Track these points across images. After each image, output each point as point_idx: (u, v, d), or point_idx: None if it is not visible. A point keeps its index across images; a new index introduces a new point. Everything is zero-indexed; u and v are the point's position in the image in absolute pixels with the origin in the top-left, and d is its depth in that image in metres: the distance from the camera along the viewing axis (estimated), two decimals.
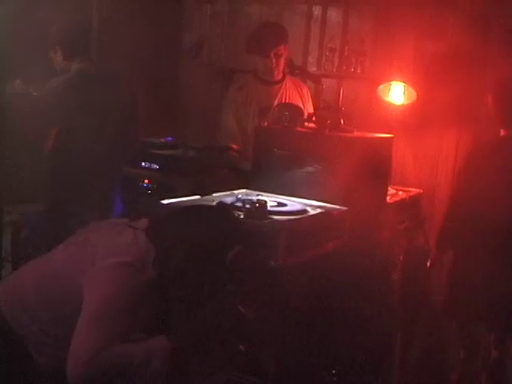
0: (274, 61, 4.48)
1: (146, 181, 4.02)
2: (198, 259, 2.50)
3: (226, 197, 3.21)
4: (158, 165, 4.04)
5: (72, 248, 2.62)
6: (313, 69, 5.12)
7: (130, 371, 2.37)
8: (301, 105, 4.47)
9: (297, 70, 4.47)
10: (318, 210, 3.18)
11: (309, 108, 4.54)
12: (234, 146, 4.45)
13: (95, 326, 2.36)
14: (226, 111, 4.64)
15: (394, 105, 4.54)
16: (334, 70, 4.99)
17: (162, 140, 4.41)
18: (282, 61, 4.54)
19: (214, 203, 3.02)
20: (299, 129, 3.67)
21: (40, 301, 2.55)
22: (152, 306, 2.53)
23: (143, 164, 4.06)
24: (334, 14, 5.10)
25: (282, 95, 4.62)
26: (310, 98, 4.75)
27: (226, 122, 4.62)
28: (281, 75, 4.62)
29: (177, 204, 3.08)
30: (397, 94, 4.51)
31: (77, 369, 2.31)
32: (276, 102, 4.53)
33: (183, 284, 2.51)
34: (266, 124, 4.18)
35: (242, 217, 2.85)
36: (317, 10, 5.18)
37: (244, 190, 3.41)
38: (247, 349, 2.71)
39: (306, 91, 4.75)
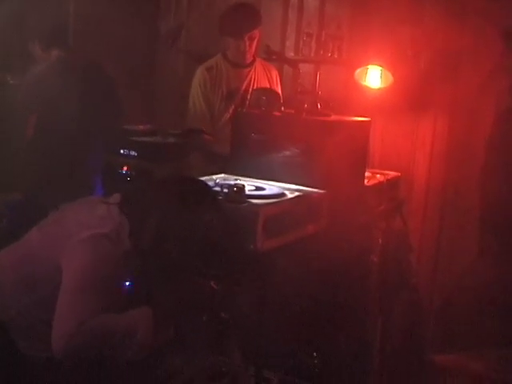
0: (247, 43, 4.45)
1: (125, 168, 4.01)
2: (172, 228, 2.52)
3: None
4: (136, 152, 4.03)
5: (46, 228, 2.64)
6: (290, 54, 5.11)
7: (114, 342, 2.40)
8: None
9: (274, 55, 4.46)
10: (296, 194, 3.20)
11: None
12: (198, 129, 4.45)
13: (76, 297, 2.39)
14: (194, 91, 4.59)
15: (370, 89, 4.55)
16: (312, 54, 4.98)
17: (141, 127, 4.41)
18: (255, 44, 4.51)
19: None
20: (276, 113, 3.68)
21: (19, 284, 2.57)
22: (130, 278, 2.56)
23: (122, 151, 4.06)
24: None
25: (251, 78, 4.60)
26: (278, 82, 4.75)
27: (194, 102, 4.57)
28: (251, 58, 4.60)
29: None
30: (374, 77, 4.51)
31: (60, 340, 2.33)
32: (245, 85, 4.55)
33: (159, 253, 2.54)
34: (233, 107, 4.18)
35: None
36: None
37: (222, 175, 3.42)
38: (229, 316, 2.73)
39: (275, 75, 4.74)
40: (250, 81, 4.61)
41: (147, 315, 2.47)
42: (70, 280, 2.42)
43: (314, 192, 3.29)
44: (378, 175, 4.18)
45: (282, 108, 3.75)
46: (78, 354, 2.37)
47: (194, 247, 2.56)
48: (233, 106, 4.44)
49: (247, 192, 2.98)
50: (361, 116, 3.92)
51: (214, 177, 3.34)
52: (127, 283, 2.59)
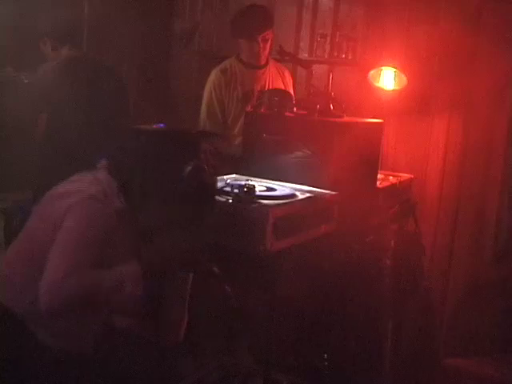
0: (261, 45, 4.46)
1: None
2: (155, 181, 2.54)
3: None
4: None
5: (40, 210, 2.66)
6: (304, 55, 5.10)
7: (101, 296, 2.40)
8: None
9: (287, 56, 4.45)
10: (307, 195, 3.18)
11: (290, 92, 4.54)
12: (211, 132, 4.45)
13: (63, 255, 2.40)
14: (208, 94, 4.61)
15: (384, 90, 4.53)
16: (326, 55, 4.97)
17: (154, 127, 4.40)
18: (268, 45, 4.52)
19: None
20: (289, 114, 3.67)
21: (27, 271, 2.57)
22: (121, 237, 2.56)
23: None
24: (325, 0, 5.09)
25: (265, 80, 4.61)
26: (291, 83, 4.76)
27: (208, 105, 4.59)
28: (265, 59, 4.60)
29: None
30: (387, 79, 4.50)
31: (46, 295, 2.34)
32: (259, 87, 4.53)
33: (148, 208, 2.55)
34: (249, 108, 4.17)
35: (230, 201, 2.86)
36: None
37: (234, 175, 3.42)
38: (220, 271, 2.71)
39: (288, 76, 4.75)
40: (265, 82, 4.61)
41: (136, 270, 2.47)
42: (59, 242, 2.44)
43: (326, 193, 3.27)
44: (391, 177, 4.17)
45: (295, 109, 3.74)
46: (63, 306, 2.37)
47: (179, 192, 2.56)
48: (249, 108, 4.43)
49: (258, 193, 2.96)
50: (374, 117, 3.91)
51: (226, 177, 3.34)
52: (119, 242, 2.59)
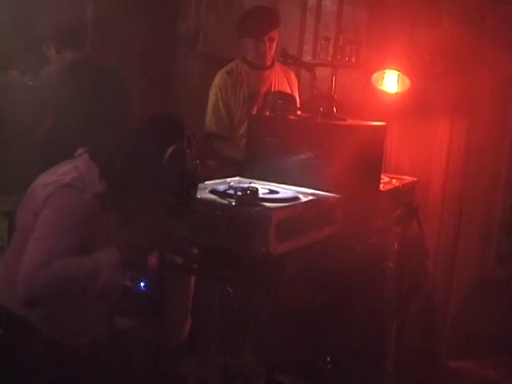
0: (267, 45, 4.47)
1: None
2: (137, 163, 2.55)
3: (219, 184, 3.22)
4: None
5: (23, 206, 2.68)
6: (308, 58, 5.11)
7: (76, 284, 2.39)
8: (289, 91, 4.50)
9: (290, 59, 4.46)
10: (310, 198, 3.19)
11: (296, 94, 4.56)
12: (217, 134, 4.47)
13: (38, 245, 2.41)
14: (214, 95, 4.61)
15: (387, 93, 4.55)
16: (329, 58, 4.98)
17: None
18: (274, 45, 4.53)
19: (207, 191, 3.04)
20: (292, 117, 3.68)
21: (18, 269, 2.58)
22: (102, 222, 2.58)
23: None
24: (328, 3, 5.10)
25: (271, 81, 4.61)
26: (297, 85, 4.76)
27: (214, 107, 4.59)
28: (271, 60, 4.61)
29: None
30: (391, 82, 4.51)
31: (22, 286, 2.35)
32: (265, 88, 4.54)
33: (128, 191, 2.55)
34: (255, 110, 4.18)
35: (233, 204, 2.87)
36: None
37: (237, 178, 3.43)
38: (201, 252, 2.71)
39: (293, 77, 4.76)
40: (271, 83, 4.62)
41: (113, 256, 2.46)
42: (36, 230, 2.45)
43: (329, 196, 3.28)
44: (394, 180, 4.17)
45: (298, 112, 3.74)
46: (39, 295, 2.38)
47: (160, 175, 2.56)
48: (253, 110, 4.44)
49: (261, 195, 2.97)
50: (377, 120, 3.91)
51: (229, 180, 3.35)
52: (98, 229, 2.60)
